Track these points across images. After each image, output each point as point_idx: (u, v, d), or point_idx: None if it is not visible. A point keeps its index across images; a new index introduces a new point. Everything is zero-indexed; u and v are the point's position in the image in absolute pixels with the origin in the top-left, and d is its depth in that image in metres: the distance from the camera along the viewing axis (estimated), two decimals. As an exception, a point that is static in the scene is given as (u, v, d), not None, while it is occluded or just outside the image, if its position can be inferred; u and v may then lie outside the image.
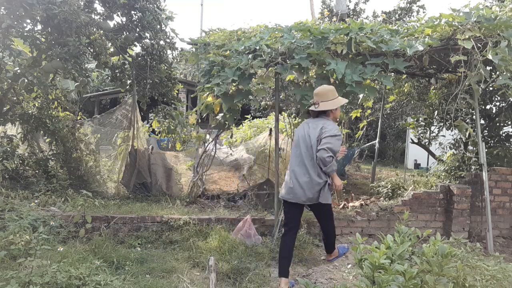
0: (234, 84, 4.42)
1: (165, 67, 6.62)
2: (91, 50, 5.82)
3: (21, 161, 5.89)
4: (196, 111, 6.56)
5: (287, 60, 4.22)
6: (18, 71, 5.36)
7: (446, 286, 2.40)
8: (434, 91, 6.38)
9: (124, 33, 6.05)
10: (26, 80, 5.43)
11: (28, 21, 4.98)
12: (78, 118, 6.83)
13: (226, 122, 5.38)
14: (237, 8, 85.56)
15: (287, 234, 3.63)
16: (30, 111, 6.04)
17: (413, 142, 7.68)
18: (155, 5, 6.09)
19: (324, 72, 4.38)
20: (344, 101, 3.61)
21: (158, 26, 6.04)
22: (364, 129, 8.05)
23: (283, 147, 6.78)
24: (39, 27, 5.28)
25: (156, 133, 7.96)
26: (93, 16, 5.75)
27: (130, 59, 6.34)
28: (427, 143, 7.40)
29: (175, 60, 7.44)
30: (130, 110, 6.58)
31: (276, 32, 4.56)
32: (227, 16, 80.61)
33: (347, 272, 3.99)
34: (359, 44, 4.22)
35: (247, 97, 4.66)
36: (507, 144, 5.90)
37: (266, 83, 6.20)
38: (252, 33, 5.23)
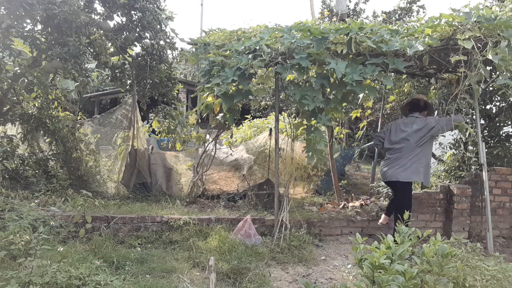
0: (234, 84, 4.41)
1: (165, 67, 6.61)
2: (91, 50, 5.82)
3: (21, 161, 5.89)
4: (196, 111, 6.56)
5: (287, 60, 4.22)
6: (18, 71, 5.36)
7: (446, 286, 2.40)
8: (434, 91, 6.38)
9: (124, 33, 6.05)
10: (26, 80, 5.43)
11: (28, 21, 4.97)
12: (78, 118, 6.83)
13: (226, 122, 5.38)
14: (237, 8, 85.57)
15: None
16: (30, 111, 6.04)
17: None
18: (155, 5, 6.08)
19: (324, 72, 4.39)
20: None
21: (158, 26, 6.04)
22: (364, 129, 8.04)
23: (283, 147, 6.78)
24: (39, 27, 5.27)
25: (156, 133, 7.96)
26: (93, 16, 5.75)
27: (130, 59, 6.34)
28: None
29: (175, 60, 7.44)
30: (130, 110, 6.58)
31: (276, 32, 4.56)
32: (227, 16, 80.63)
33: (347, 272, 3.99)
34: (359, 44, 4.22)
35: (247, 97, 4.66)
36: (507, 144, 5.90)
37: (266, 83, 6.21)
38: (252, 33, 5.22)
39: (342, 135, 8.34)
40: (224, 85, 4.26)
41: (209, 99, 5.41)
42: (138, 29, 5.99)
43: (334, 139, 7.00)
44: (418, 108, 4.86)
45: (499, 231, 5.46)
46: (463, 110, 5.91)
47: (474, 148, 5.75)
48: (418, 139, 4.61)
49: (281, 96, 5.69)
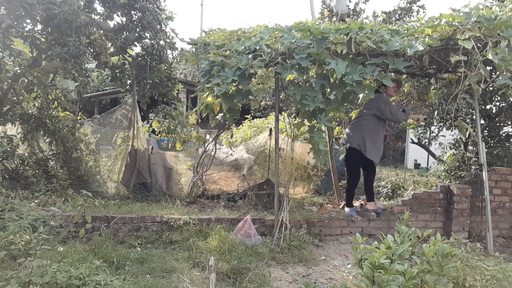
0: (234, 84, 4.41)
1: (165, 67, 6.61)
2: (91, 50, 5.81)
3: (21, 161, 5.89)
4: (196, 111, 6.56)
5: (287, 60, 4.22)
6: (18, 71, 5.36)
7: (446, 286, 2.40)
8: (434, 91, 6.38)
9: (124, 33, 6.04)
10: (26, 80, 5.43)
11: (28, 21, 4.97)
12: (78, 118, 6.83)
13: (226, 122, 5.38)
14: (237, 8, 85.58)
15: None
16: (30, 111, 6.04)
17: (413, 142, 7.68)
18: (155, 5, 6.08)
19: (324, 72, 4.38)
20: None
21: (158, 26, 6.03)
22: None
23: (283, 147, 6.78)
24: (39, 27, 5.27)
25: (156, 133, 7.96)
26: (93, 16, 5.75)
27: (130, 59, 6.34)
28: (427, 143, 7.39)
29: (175, 60, 7.43)
30: (130, 110, 6.58)
31: (276, 32, 4.56)
32: (227, 16, 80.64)
33: (347, 272, 3.99)
34: (359, 44, 4.22)
35: (247, 97, 4.66)
36: (507, 144, 5.90)
37: (266, 83, 6.20)
38: (252, 33, 5.22)
39: (342, 135, 8.34)
40: (224, 85, 4.26)
41: (209, 99, 5.41)
42: (138, 29, 5.98)
43: (334, 140, 7.00)
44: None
45: (499, 231, 5.46)
46: (463, 110, 5.91)
47: (474, 148, 5.75)
48: (364, 113, 5.31)
49: (281, 96, 5.69)
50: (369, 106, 5.30)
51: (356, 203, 6.03)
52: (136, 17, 5.96)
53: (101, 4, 5.90)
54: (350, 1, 16.72)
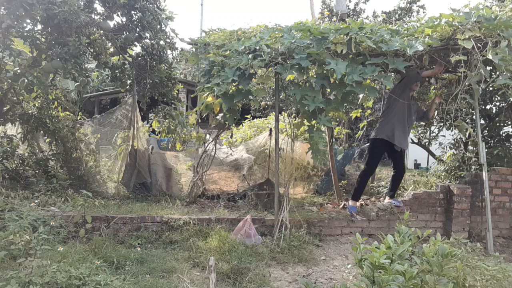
0: (234, 84, 4.42)
1: (165, 67, 6.61)
2: (91, 50, 5.82)
3: (21, 161, 5.89)
4: (196, 111, 6.56)
5: (287, 60, 4.23)
6: (18, 71, 5.36)
7: (446, 286, 2.40)
8: (434, 91, 6.38)
9: (124, 33, 6.04)
10: (26, 80, 5.43)
11: (28, 21, 4.98)
12: (78, 118, 6.83)
13: (226, 122, 5.38)
14: (237, 8, 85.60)
15: None
16: (30, 111, 6.04)
17: (413, 142, 7.67)
18: (155, 5, 6.09)
19: (324, 72, 4.39)
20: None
21: (158, 26, 6.04)
22: (364, 129, 8.03)
23: (283, 147, 6.78)
24: (39, 27, 5.27)
25: (156, 133, 7.96)
26: (93, 16, 5.75)
27: (130, 59, 6.34)
28: (427, 143, 7.39)
29: (175, 60, 7.44)
30: (130, 110, 6.58)
31: (276, 32, 4.56)
32: (227, 16, 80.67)
33: (347, 272, 3.99)
34: (359, 44, 4.22)
35: (247, 97, 4.66)
36: (507, 144, 5.90)
37: (266, 83, 6.21)
38: (252, 33, 5.22)
39: (342, 135, 8.34)
40: (224, 85, 4.26)
41: (209, 99, 5.41)
42: (138, 29, 5.98)
43: (334, 140, 7.00)
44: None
45: (499, 231, 5.46)
46: (463, 110, 5.92)
47: (474, 148, 5.75)
48: (387, 106, 5.36)
49: (281, 96, 5.70)
50: (390, 97, 5.31)
51: (357, 203, 6.03)
52: (136, 17, 5.96)
53: (101, 4, 5.90)
54: (350, 1, 16.69)
